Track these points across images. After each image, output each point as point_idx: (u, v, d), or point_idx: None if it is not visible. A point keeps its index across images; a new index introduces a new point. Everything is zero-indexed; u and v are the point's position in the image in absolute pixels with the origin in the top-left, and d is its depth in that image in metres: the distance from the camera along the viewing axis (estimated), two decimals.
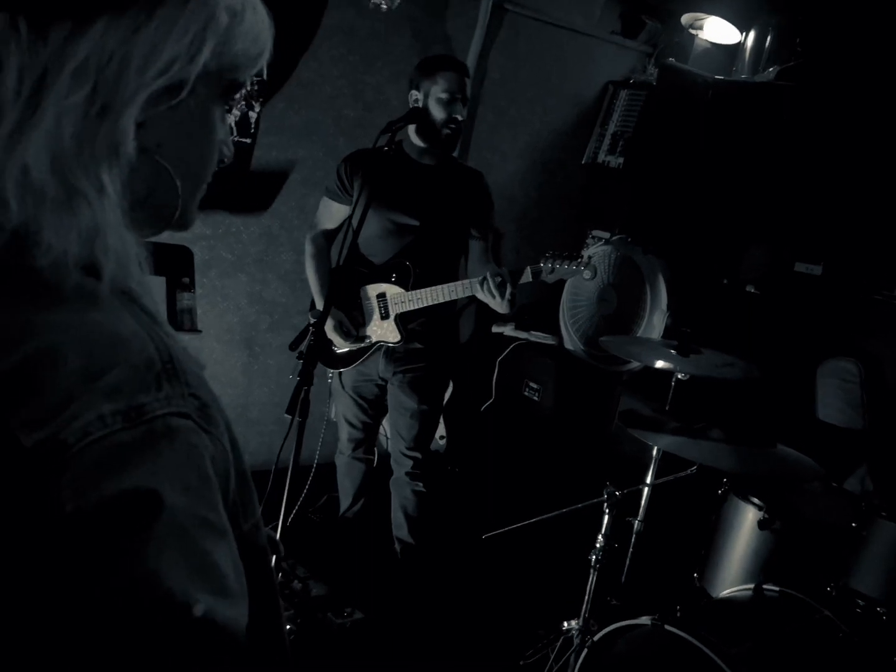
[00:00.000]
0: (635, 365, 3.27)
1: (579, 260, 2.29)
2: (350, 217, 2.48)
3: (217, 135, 0.66)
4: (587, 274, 2.31)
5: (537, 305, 3.80)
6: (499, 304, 2.32)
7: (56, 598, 0.46)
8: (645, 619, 1.87)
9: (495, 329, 3.75)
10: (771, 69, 3.30)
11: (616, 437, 3.31)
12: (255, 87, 2.96)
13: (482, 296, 2.32)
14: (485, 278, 2.28)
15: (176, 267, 2.93)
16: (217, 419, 0.57)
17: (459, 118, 2.38)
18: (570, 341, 3.50)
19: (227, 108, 0.67)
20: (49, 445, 0.48)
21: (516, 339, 3.64)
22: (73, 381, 0.50)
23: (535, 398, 3.51)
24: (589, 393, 3.42)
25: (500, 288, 2.27)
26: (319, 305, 2.54)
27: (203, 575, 0.50)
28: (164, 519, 0.49)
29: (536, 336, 3.62)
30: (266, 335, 3.34)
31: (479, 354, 3.70)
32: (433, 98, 2.35)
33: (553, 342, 3.58)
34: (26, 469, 0.47)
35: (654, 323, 3.20)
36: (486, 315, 3.77)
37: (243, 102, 2.97)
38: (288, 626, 2.32)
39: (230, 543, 0.55)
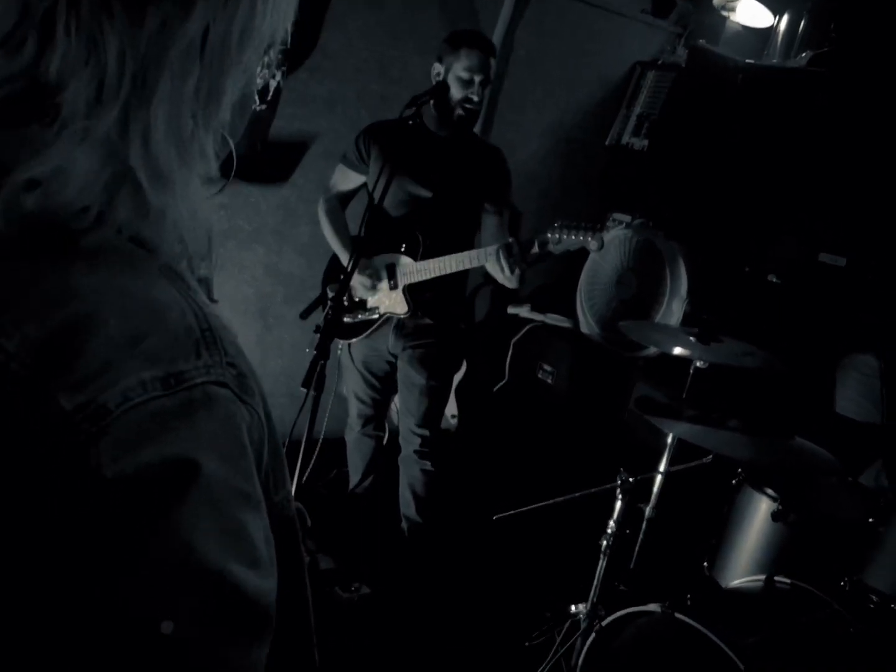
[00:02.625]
0: (652, 351, 3.24)
1: (586, 230, 2.25)
2: (366, 187, 2.47)
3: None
4: (593, 245, 2.26)
5: (554, 287, 3.77)
6: (508, 279, 2.29)
7: (89, 563, 0.45)
8: (654, 607, 1.86)
9: (511, 310, 3.72)
10: (804, 54, 3.23)
11: (630, 424, 3.29)
12: (280, 56, 2.92)
13: (492, 267, 2.29)
14: (499, 248, 2.25)
15: None
16: (254, 389, 0.56)
17: (475, 98, 2.34)
18: (587, 325, 3.47)
19: None
20: (90, 409, 0.47)
21: (532, 320, 3.61)
22: (112, 346, 0.48)
23: (549, 381, 3.49)
24: (604, 378, 3.39)
25: (511, 259, 2.24)
26: (344, 260, 2.50)
27: (237, 546, 0.50)
28: (201, 488, 0.48)
29: (552, 318, 3.60)
30: (281, 307, 3.33)
31: (494, 335, 3.68)
32: (453, 74, 2.32)
33: (569, 325, 3.55)
34: (65, 432, 0.46)
35: (674, 309, 3.16)
36: (501, 296, 3.74)
37: (266, 70, 2.93)
38: None
39: (263, 515, 0.54)
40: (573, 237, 2.21)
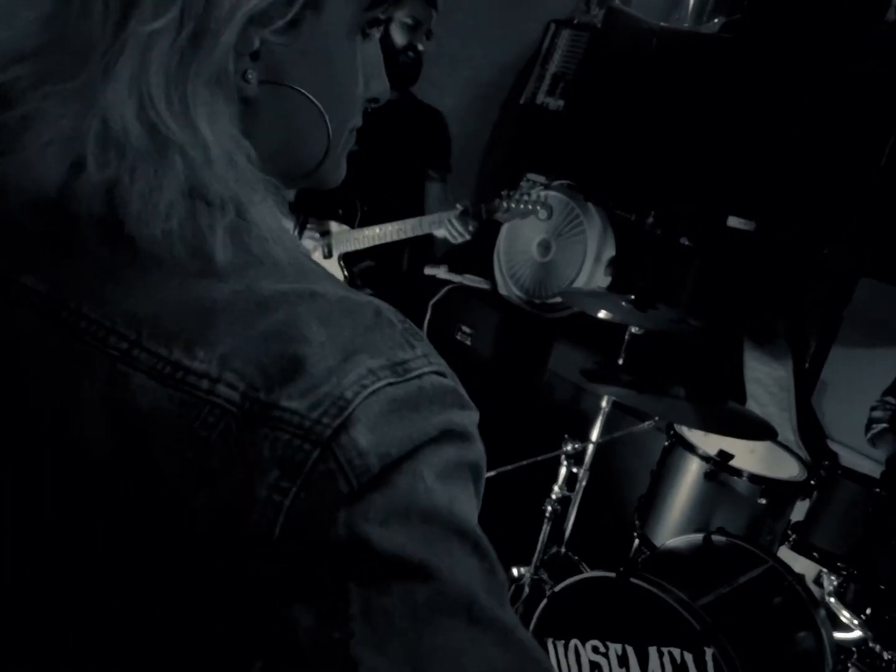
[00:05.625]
0: (567, 312, 3.28)
1: (536, 200, 2.24)
2: None
3: (357, 60, 0.55)
4: (542, 214, 2.27)
5: (470, 247, 3.73)
6: (455, 241, 2.27)
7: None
8: (606, 572, 1.90)
9: (428, 271, 3.66)
10: (716, 20, 3.29)
11: (551, 384, 3.34)
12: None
13: (448, 232, 2.25)
14: (457, 216, 2.21)
15: None
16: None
17: (420, 48, 2.26)
18: (505, 287, 3.46)
19: (378, 21, 0.56)
20: (325, 404, 0.43)
21: (450, 281, 3.57)
22: (326, 347, 0.44)
23: (468, 343, 3.48)
24: (523, 339, 3.41)
25: (466, 226, 2.22)
26: None
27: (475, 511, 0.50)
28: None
29: (470, 280, 3.57)
30: None
31: (412, 297, 3.62)
32: (396, 22, 2.22)
33: (487, 286, 3.54)
34: (302, 435, 0.43)
35: (596, 274, 3.20)
36: (418, 256, 3.67)
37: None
38: None
39: None
40: (522, 207, 2.19)
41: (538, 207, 2.19)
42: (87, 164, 0.45)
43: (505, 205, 2.20)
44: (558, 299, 3.21)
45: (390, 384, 0.45)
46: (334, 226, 2.32)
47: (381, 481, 0.43)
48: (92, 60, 0.45)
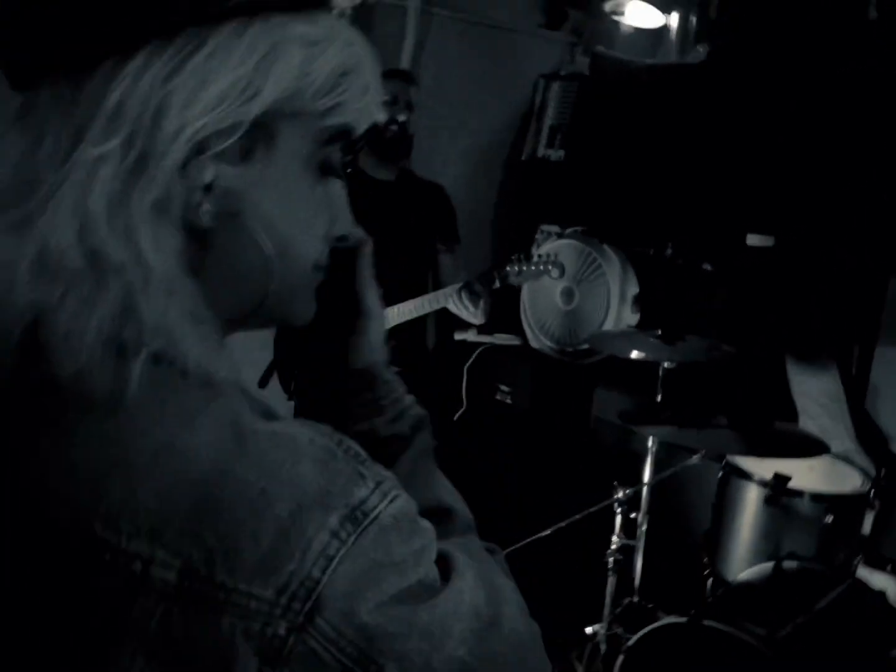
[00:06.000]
0: (602, 356, 3.26)
1: (546, 260, 2.27)
2: None
3: (313, 201, 0.55)
4: (555, 273, 2.29)
5: (496, 306, 3.76)
6: (473, 315, 2.29)
7: None
8: (675, 618, 1.85)
9: (458, 336, 3.69)
10: (700, 48, 3.34)
11: (596, 431, 3.31)
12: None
13: (455, 308, 2.27)
14: (461, 288, 2.24)
15: None
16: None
17: (401, 118, 2.34)
18: (536, 340, 3.47)
19: (332, 166, 0.56)
20: (293, 588, 0.42)
21: (481, 343, 3.59)
22: (271, 503, 0.43)
23: (508, 401, 3.47)
24: (562, 389, 3.40)
25: (474, 297, 2.24)
26: None
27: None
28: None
29: (500, 338, 3.59)
30: None
31: (445, 364, 3.64)
32: None
33: (518, 342, 3.55)
34: (271, 622, 0.42)
35: (623, 313, 3.20)
36: (446, 323, 3.71)
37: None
38: None
39: None
40: (534, 268, 2.22)
41: (550, 267, 2.23)
42: (14, 289, 0.44)
43: (517, 268, 2.24)
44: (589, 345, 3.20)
45: (354, 542, 0.44)
46: None
47: (375, 648, 0.44)
48: (38, 190, 0.45)
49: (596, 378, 3.33)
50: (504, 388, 3.48)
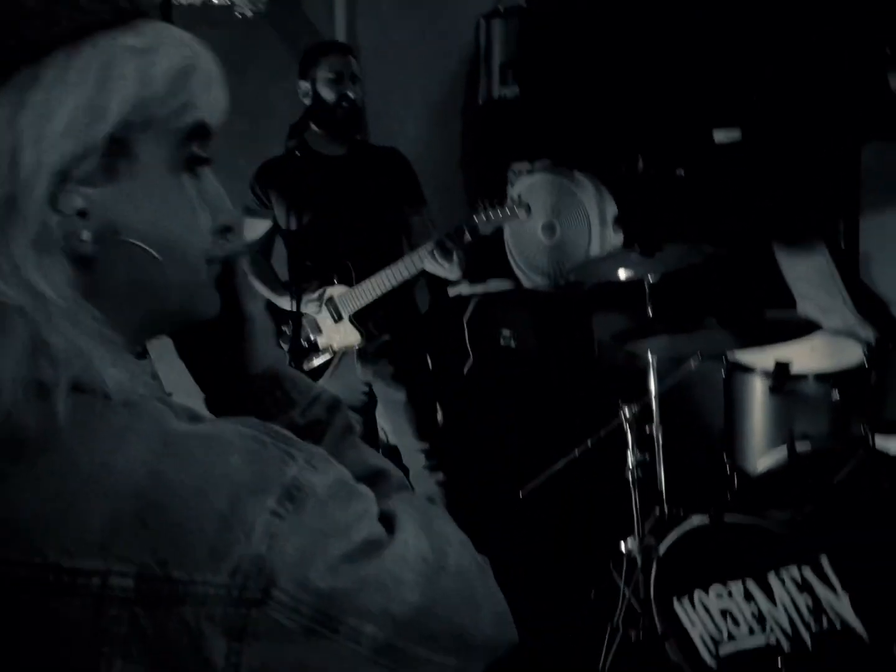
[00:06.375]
0: (593, 282, 3.27)
1: (511, 203, 2.27)
2: (279, 231, 2.42)
3: (186, 198, 0.56)
4: (522, 214, 2.29)
5: (482, 254, 3.77)
6: (450, 271, 2.30)
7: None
8: (701, 519, 1.89)
9: (452, 292, 3.71)
10: None
11: (601, 356, 3.34)
12: None
13: (432, 267, 2.29)
14: (433, 247, 2.25)
15: None
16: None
17: (351, 94, 2.32)
18: (528, 280, 3.48)
19: (199, 159, 0.57)
20: (245, 569, 0.45)
21: (475, 294, 3.61)
22: (209, 497, 0.46)
23: (513, 345, 3.50)
24: (562, 322, 3.42)
25: (447, 254, 2.25)
26: (284, 306, 2.44)
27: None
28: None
29: (494, 285, 3.60)
30: None
31: (444, 321, 3.67)
32: (321, 82, 2.31)
33: (511, 286, 3.56)
34: (228, 605, 0.45)
35: (606, 237, 3.20)
36: (437, 282, 3.73)
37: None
38: None
39: None
40: (500, 214, 2.22)
41: (516, 209, 2.22)
42: None
43: (484, 217, 2.24)
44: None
45: (294, 515, 0.47)
46: (335, 290, 2.39)
47: (333, 606, 0.47)
48: None
49: (593, 305, 3.35)
50: (506, 332, 3.50)
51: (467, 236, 2.26)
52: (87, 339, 0.48)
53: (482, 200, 2.26)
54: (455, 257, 2.23)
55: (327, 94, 2.29)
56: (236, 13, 2.86)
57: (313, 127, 2.31)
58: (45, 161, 0.47)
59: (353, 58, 2.35)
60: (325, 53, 2.33)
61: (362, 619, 0.48)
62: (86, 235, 0.50)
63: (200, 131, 0.56)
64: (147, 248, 0.52)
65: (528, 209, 2.23)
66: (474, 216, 2.25)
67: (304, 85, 2.34)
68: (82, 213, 0.49)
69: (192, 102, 0.54)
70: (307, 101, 2.31)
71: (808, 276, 2.85)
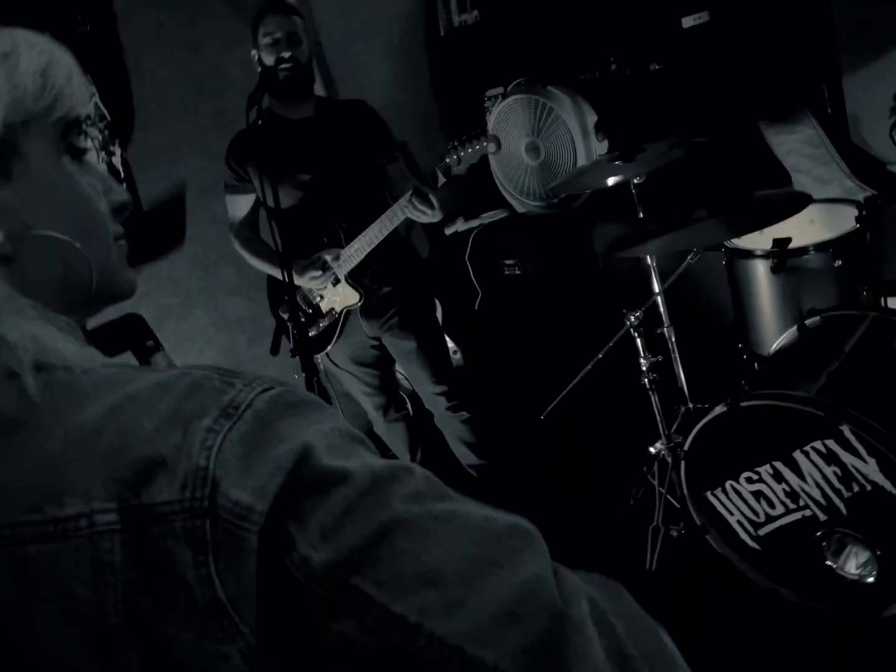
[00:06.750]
0: (585, 196, 3.24)
1: (478, 135, 2.23)
2: (262, 203, 2.42)
3: (82, 185, 0.60)
4: (491, 147, 2.25)
5: (471, 189, 3.74)
6: (432, 216, 2.28)
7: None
8: (721, 409, 1.91)
9: (448, 231, 3.70)
10: None
11: (605, 269, 3.32)
12: (105, 132, 2.82)
13: (414, 215, 2.27)
14: (410, 197, 2.23)
15: (133, 336, 2.86)
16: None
17: (286, 55, 2.27)
18: (521, 204, 3.45)
19: (80, 149, 0.61)
20: (189, 479, 0.48)
21: (472, 229, 3.59)
22: (161, 431, 0.50)
23: (517, 272, 3.49)
24: (562, 241, 3.40)
25: (427, 201, 2.23)
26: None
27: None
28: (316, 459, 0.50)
29: (488, 217, 3.58)
30: (249, 352, 3.29)
31: (447, 263, 3.67)
32: (262, 49, 2.28)
33: (506, 213, 3.54)
34: (183, 515, 0.48)
35: (591, 147, 3.15)
36: (433, 226, 3.71)
37: (103, 152, 2.84)
38: None
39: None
40: (469, 150, 2.19)
41: (484, 143, 2.19)
42: None
43: (455, 157, 2.21)
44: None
45: (230, 429, 0.50)
46: (327, 254, 2.38)
47: (282, 513, 0.48)
48: None
49: (589, 218, 3.32)
50: (509, 261, 3.50)
51: (441, 178, 2.24)
52: (35, 325, 0.53)
53: (451, 141, 2.23)
54: (434, 202, 2.21)
55: (268, 60, 2.26)
56: None
57: (268, 95, 2.28)
58: None
59: (294, 16, 2.29)
60: (262, 17, 2.28)
61: (303, 521, 0.48)
62: (0, 237, 0.54)
63: (75, 122, 0.60)
64: (60, 235, 0.57)
65: (497, 142, 2.20)
66: (445, 158, 2.23)
67: (254, 53, 2.31)
68: None
69: (60, 96, 0.58)
70: (259, 69, 2.28)
71: (799, 149, 2.79)
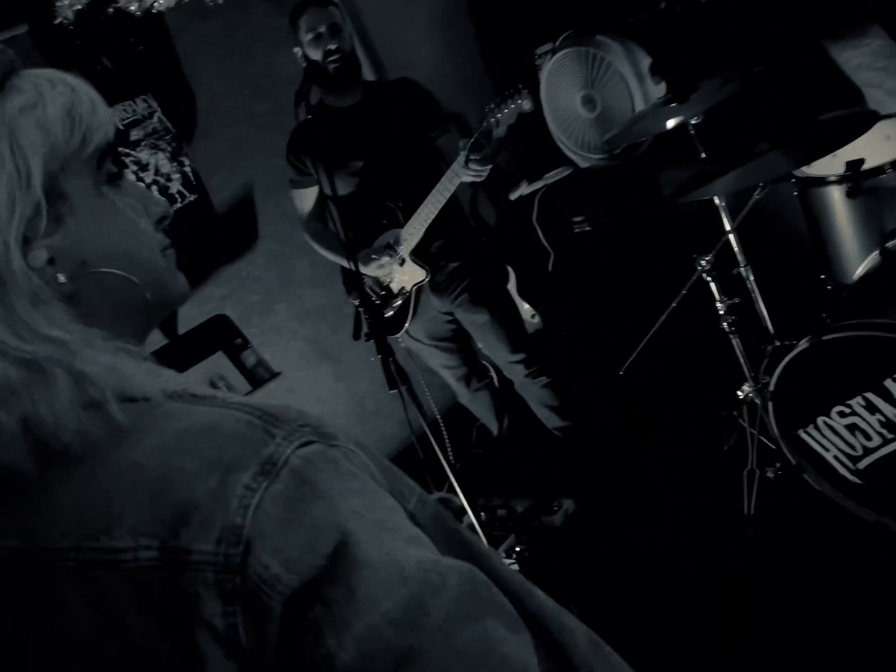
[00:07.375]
0: (648, 142, 3.16)
1: (511, 95, 2.21)
2: (324, 195, 2.48)
3: (123, 210, 0.63)
4: (526, 105, 2.23)
5: (530, 151, 3.70)
6: (479, 176, 2.29)
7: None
8: (805, 343, 1.86)
9: (513, 196, 3.68)
10: None
11: (680, 211, 3.24)
12: (172, 145, 2.93)
13: (471, 177, 2.28)
14: (465, 163, 2.24)
15: (222, 336, 2.99)
16: (335, 433, 0.58)
17: (332, 47, 2.31)
18: (583, 159, 3.40)
19: (115, 173, 0.64)
20: (224, 538, 0.51)
21: (536, 191, 3.57)
22: (202, 476, 0.52)
23: (587, 228, 3.46)
24: (631, 189, 3.34)
25: (482, 162, 2.24)
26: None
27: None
28: (361, 544, 0.52)
29: (551, 176, 3.54)
30: (333, 339, 3.39)
31: (516, 229, 3.65)
32: (306, 45, 2.32)
33: (569, 170, 3.49)
34: (217, 572, 0.51)
35: (649, 91, 3.07)
36: (497, 193, 3.70)
37: (175, 164, 2.96)
38: (518, 549, 2.40)
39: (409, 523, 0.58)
40: (505, 111, 2.18)
41: (519, 101, 2.17)
42: None
43: (493, 120, 2.20)
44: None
45: (267, 488, 0.52)
46: (389, 236, 2.43)
47: (310, 593, 0.50)
48: None
49: (655, 164, 3.24)
50: (577, 219, 3.46)
51: (484, 143, 2.24)
52: (108, 356, 0.57)
53: (488, 104, 2.23)
54: (487, 163, 2.22)
55: (314, 54, 2.30)
56: (207, 1, 2.87)
57: (316, 89, 2.33)
58: (6, 236, 0.55)
59: (330, 6, 2.32)
60: (300, 13, 2.32)
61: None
62: (62, 278, 0.58)
63: (107, 149, 0.62)
64: (113, 269, 0.61)
65: (530, 99, 2.18)
66: (483, 122, 2.23)
67: (297, 50, 2.35)
68: (51, 261, 0.58)
69: (90, 131, 0.61)
70: (304, 65, 2.32)
71: (868, 62, 2.65)
